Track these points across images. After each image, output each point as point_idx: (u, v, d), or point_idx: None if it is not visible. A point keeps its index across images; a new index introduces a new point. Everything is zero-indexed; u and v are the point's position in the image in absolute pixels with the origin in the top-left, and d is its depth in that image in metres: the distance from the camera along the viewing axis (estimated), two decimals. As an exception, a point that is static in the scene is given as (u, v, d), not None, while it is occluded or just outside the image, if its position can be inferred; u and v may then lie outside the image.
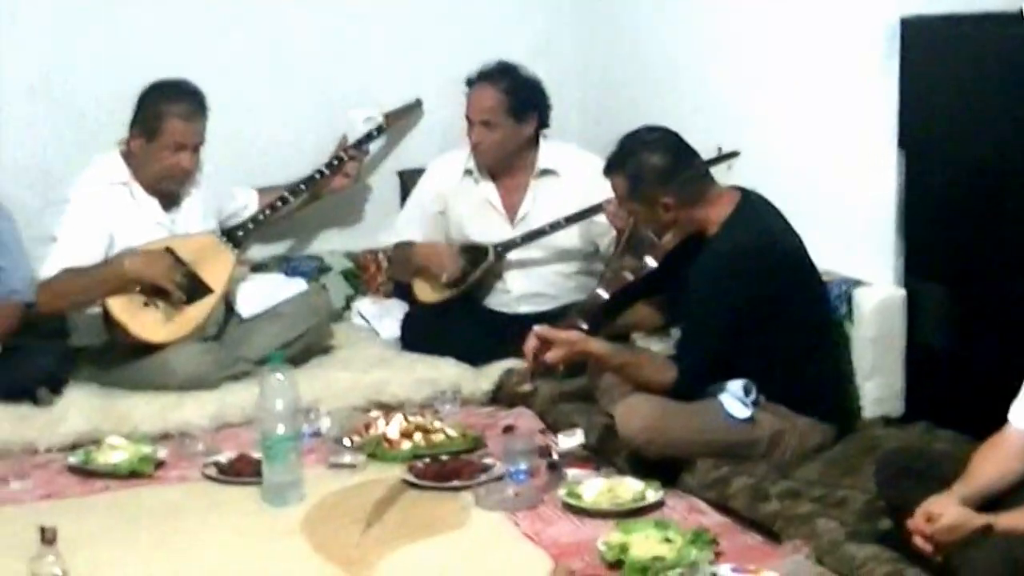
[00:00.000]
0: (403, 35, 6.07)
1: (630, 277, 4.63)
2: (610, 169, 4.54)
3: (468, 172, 5.58)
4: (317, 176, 5.78)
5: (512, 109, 5.41)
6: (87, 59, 5.71)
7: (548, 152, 5.52)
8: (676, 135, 4.51)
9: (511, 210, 5.53)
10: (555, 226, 5.38)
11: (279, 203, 5.66)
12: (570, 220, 5.35)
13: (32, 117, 5.70)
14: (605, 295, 4.66)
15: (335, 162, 5.81)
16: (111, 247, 5.18)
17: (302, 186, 5.75)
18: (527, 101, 5.46)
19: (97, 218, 5.18)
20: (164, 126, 5.17)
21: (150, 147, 5.20)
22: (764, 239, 4.39)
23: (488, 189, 5.55)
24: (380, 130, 5.94)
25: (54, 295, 5.13)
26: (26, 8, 5.63)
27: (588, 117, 5.96)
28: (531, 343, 4.54)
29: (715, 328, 4.37)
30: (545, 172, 5.50)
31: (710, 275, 4.37)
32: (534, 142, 5.52)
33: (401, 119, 6.02)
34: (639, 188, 4.44)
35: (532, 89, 5.49)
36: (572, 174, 5.46)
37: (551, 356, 4.49)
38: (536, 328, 4.57)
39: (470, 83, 5.49)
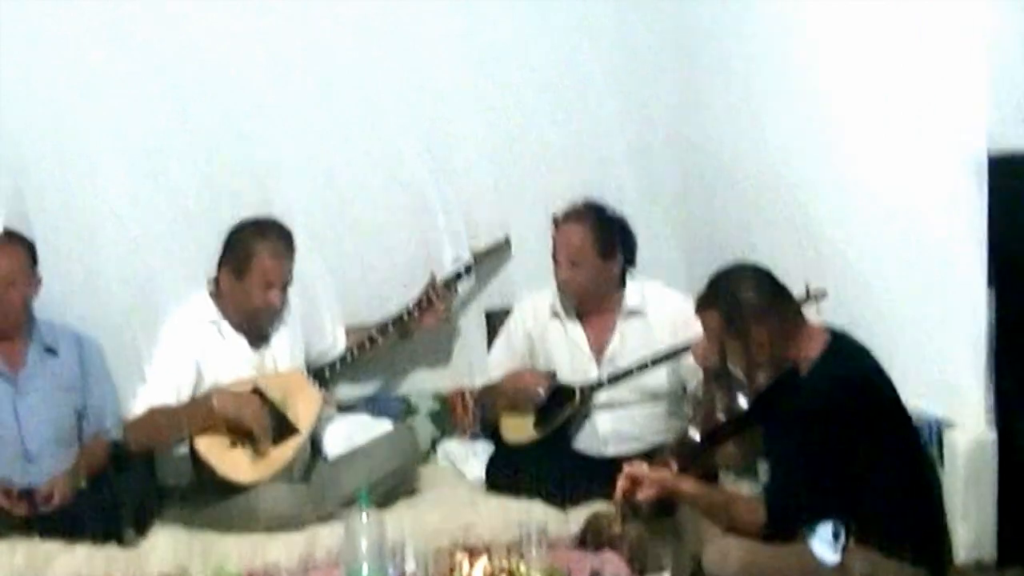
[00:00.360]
0: (493, 175, 6.07)
1: (722, 417, 4.55)
2: (703, 305, 4.51)
3: (555, 313, 5.56)
4: (405, 316, 5.77)
5: (599, 248, 5.39)
6: (198, 186, 5.74)
7: (635, 291, 5.49)
8: (769, 272, 4.48)
9: (598, 350, 5.49)
10: (642, 367, 5.34)
11: (367, 342, 5.68)
12: (657, 361, 5.32)
13: (142, 241, 5.71)
14: (696, 435, 4.59)
15: (423, 302, 5.80)
16: (199, 385, 5.20)
17: (390, 326, 5.75)
18: (614, 239, 5.43)
19: (186, 356, 5.21)
20: (253, 263, 5.20)
21: (239, 284, 5.23)
22: (857, 380, 4.33)
23: (575, 329, 5.53)
24: (469, 269, 5.93)
25: (142, 433, 5.14)
26: (140, 134, 5.67)
27: (681, 249, 5.99)
28: (622, 482, 4.47)
29: (807, 469, 4.29)
30: (632, 312, 5.47)
31: (803, 416, 4.29)
32: (621, 280, 5.49)
33: (489, 258, 6.01)
34: (733, 324, 4.40)
35: (619, 227, 5.47)
36: (659, 313, 5.44)
37: (642, 495, 4.42)
38: (627, 467, 4.50)
39: (556, 222, 5.48)
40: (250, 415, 5.13)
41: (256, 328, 5.35)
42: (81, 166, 5.62)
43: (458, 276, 5.91)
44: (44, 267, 5.21)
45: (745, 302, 4.39)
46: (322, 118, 5.87)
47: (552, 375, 5.51)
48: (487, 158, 6.07)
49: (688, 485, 4.43)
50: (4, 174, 5.52)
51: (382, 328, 5.73)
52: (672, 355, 5.29)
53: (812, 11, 5.29)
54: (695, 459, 4.62)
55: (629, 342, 5.44)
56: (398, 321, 5.76)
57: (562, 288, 5.49)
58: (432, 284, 5.86)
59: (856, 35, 5.05)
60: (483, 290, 6.11)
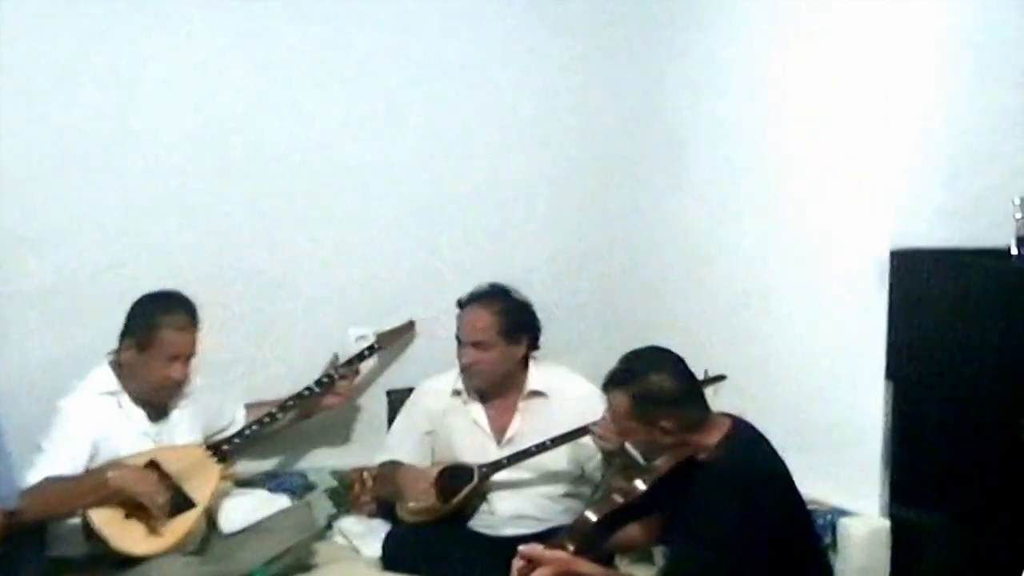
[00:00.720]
0: (398, 256, 5.98)
1: (620, 500, 4.46)
2: (614, 385, 4.41)
3: (456, 393, 5.48)
4: (307, 394, 5.63)
5: (504, 331, 5.33)
6: (104, 265, 5.58)
7: (537, 374, 5.43)
8: (682, 359, 4.42)
9: (499, 431, 5.40)
10: (541, 448, 5.23)
11: (267, 419, 5.52)
12: (556, 442, 5.21)
13: (43, 320, 5.54)
14: (593, 517, 4.50)
15: (326, 380, 5.67)
16: (96, 457, 5.02)
17: (291, 403, 5.60)
18: (519, 323, 5.38)
19: (83, 428, 5.02)
20: (157, 337, 5.07)
21: (142, 357, 5.09)
22: (754, 467, 4.29)
23: (476, 410, 5.44)
24: (372, 350, 5.81)
25: (36, 504, 4.89)
26: (45, 213, 5.51)
27: (580, 331, 5.96)
28: (517, 562, 4.36)
29: (703, 554, 4.21)
30: (534, 394, 5.41)
31: (701, 501, 4.24)
32: (524, 364, 5.43)
33: (394, 340, 5.89)
34: (643, 409, 4.32)
35: (523, 311, 5.42)
36: (561, 396, 5.37)
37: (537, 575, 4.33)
38: (522, 547, 4.39)
39: (461, 304, 5.42)
40: (145, 488, 4.96)
41: (157, 401, 5.20)
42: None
43: (361, 356, 5.78)
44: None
45: (656, 386, 4.32)
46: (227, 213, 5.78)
47: (449, 468, 5.38)
48: (395, 246, 6.00)
49: (584, 566, 4.33)
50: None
51: (283, 405, 5.58)
52: (571, 437, 5.18)
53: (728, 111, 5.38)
54: (592, 541, 4.53)
55: (530, 424, 5.36)
56: (299, 399, 5.61)
57: (465, 370, 5.41)
58: (334, 364, 5.74)
59: (768, 135, 5.11)
60: (385, 370, 5.98)
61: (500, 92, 6.02)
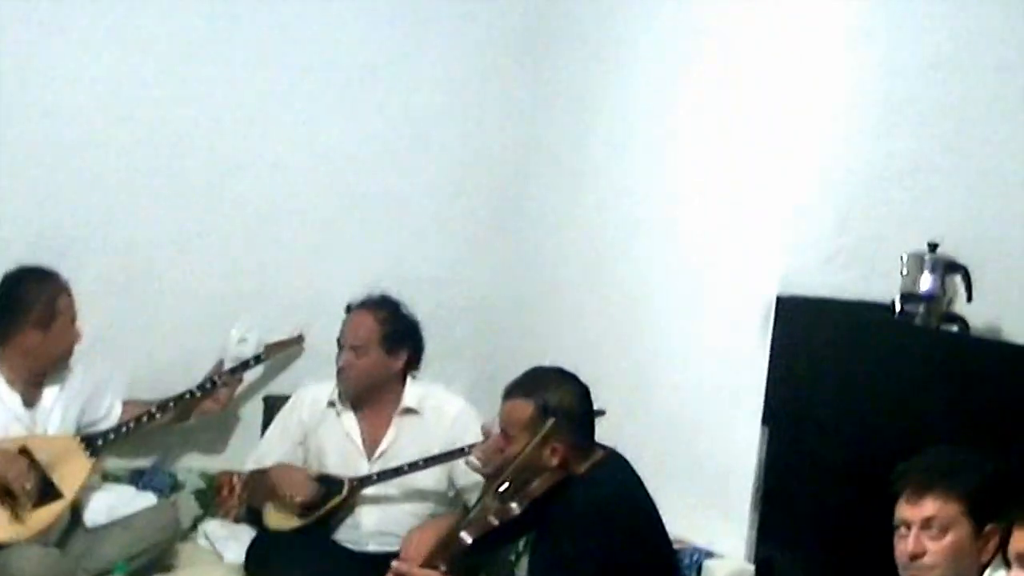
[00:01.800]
0: (290, 264, 5.45)
1: (495, 522, 3.97)
2: (517, 393, 3.98)
3: (331, 403, 4.95)
4: (187, 396, 5.07)
5: (385, 340, 4.84)
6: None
7: (414, 391, 4.92)
8: (586, 386, 4.01)
9: (371, 445, 4.88)
10: (413, 466, 4.74)
11: (144, 418, 4.96)
12: (429, 462, 4.73)
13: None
14: (469, 539, 4.00)
15: (208, 385, 5.11)
16: (-33, 440, 4.45)
17: (171, 404, 5.03)
18: (401, 336, 4.89)
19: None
20: (57, 307, 4.63)
21: (49, 333, 4.62)
22: (621, 500, 3.89)
23: (350, 422, 4.91)
24: (258, 359, 5.26)
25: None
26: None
27: (473, 357, 5.52)
28: (390, 578, 3.86)
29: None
30: (408, 411, 4.90)
31: (566, 525, 3.84)
32: (401, 379, 4.92)
33: (281, 351, 5.35)
34: (541, 423, 3.88)
35: (408, 326, 4.93)
36: (436, 415, 4.87)
37: (409, 593, 3.83)
38: (395, 564, 3.94)
39: (349, 309, 4.94)
40: (13, 474, 4.45)
41: (37, 381, 4.69)
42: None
43: (246, 365, 5.23)
44: None
45: (561, 406, 3.90)
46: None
47: (320, 478, 4.87)
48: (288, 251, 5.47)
49: (456, 586, 3.85)
50: None
51: (162, 406, 5.01)
52: (445, 458, 4.71)
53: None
54: (463, 561, 4.04)
55: (403, 440, 4.85)
56: (179, 400, 5.05)
57: (341, 374, 4.90)
58: (218, 370, 5.19)
59: (665, 163, 4.72)
60: (264, 375, 5.42)
61: (388, 101, 5.51)
